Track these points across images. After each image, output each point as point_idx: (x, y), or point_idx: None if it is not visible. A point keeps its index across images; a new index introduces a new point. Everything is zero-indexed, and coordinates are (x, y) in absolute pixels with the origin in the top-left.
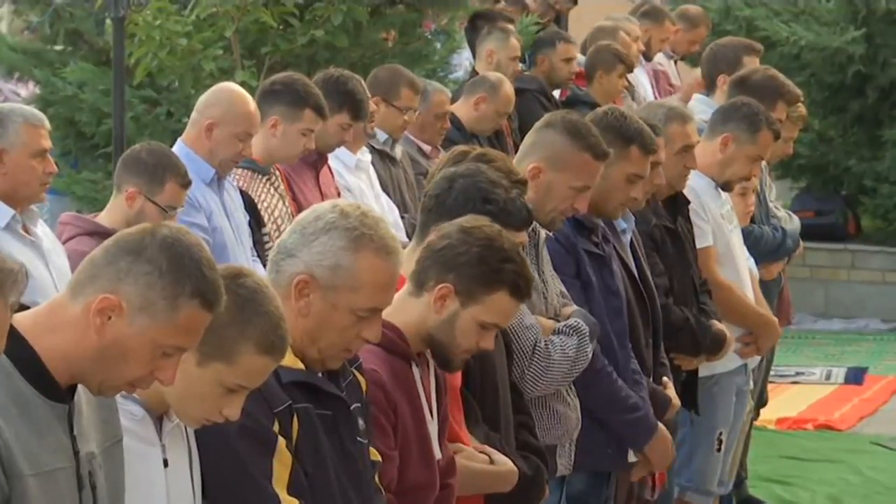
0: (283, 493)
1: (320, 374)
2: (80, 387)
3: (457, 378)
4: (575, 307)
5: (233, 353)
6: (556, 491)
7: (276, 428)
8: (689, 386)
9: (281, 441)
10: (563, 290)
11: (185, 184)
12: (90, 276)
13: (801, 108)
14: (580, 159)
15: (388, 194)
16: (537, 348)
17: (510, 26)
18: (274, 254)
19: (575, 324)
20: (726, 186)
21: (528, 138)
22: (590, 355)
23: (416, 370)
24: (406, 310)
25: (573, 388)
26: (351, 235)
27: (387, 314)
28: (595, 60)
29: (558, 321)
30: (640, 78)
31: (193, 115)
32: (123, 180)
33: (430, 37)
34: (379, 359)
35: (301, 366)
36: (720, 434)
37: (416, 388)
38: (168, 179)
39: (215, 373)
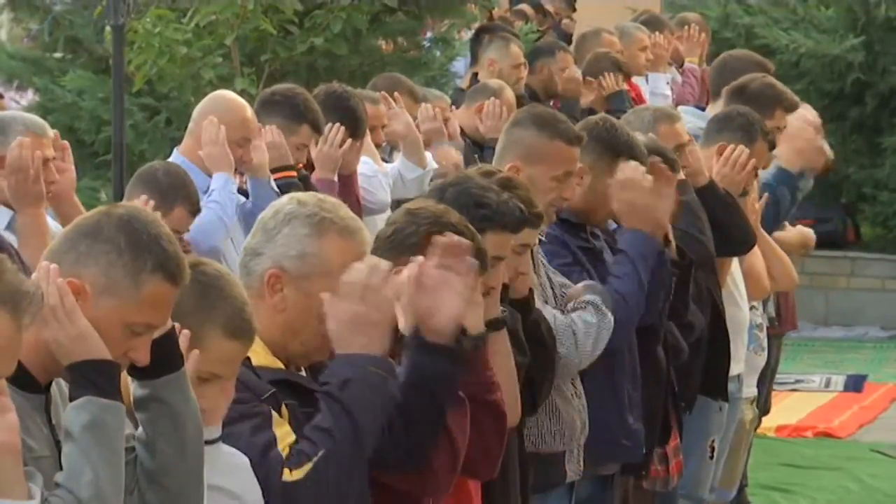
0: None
1: (302, 372)
2: (58, 379)
3: None
4: (580, 285)
5: (202, 340)
6: (565, 498)
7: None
8: (714, 375)
9: (276, 414)
10: (564, 281)
11: (195, 211)
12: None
13: None
14: (554, 148)
15: None
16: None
17: (511, 36)
18: (242, 257)
19: (587, 299)
20: None
21: (500, 141)
22: (612, 323)
23: None
24: None
25: (581, 391)
26: (312, 221)
27: None
28: (594, 68)
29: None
30: (642, 87)
31: (190, 125)
32: (135, 194)
33: (426, 44)
34: None
35: (280, 365)
36: (713, 441)
37: None
38: (178, 203)
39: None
